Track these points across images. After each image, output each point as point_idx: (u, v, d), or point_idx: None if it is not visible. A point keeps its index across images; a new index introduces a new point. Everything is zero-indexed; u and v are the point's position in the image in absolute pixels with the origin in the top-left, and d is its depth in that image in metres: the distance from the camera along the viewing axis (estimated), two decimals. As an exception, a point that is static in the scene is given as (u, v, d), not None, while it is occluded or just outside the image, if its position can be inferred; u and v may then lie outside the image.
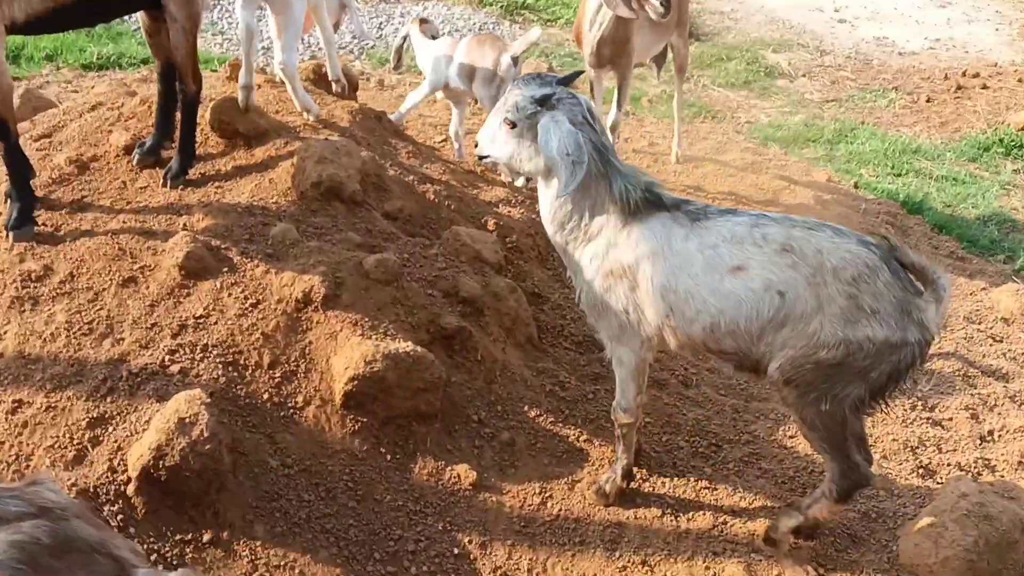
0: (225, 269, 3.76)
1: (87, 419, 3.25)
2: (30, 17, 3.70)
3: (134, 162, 4.41)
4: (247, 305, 3.67)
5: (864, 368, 2.91)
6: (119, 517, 3.01)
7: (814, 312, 2.89)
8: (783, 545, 3.35)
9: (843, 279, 2.87)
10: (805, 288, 2.88)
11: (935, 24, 11.65)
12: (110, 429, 3.24)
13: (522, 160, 3.18)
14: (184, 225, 3.98)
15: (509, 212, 4.86)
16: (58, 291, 3.69)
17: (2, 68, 3.71)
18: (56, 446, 3.19)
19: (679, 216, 3.05)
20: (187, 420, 3.10)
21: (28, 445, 3.19)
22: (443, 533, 3.36)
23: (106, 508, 3.02)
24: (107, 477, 3.09)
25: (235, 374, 3.48)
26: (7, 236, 3.89)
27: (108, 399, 3.31)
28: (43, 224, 4.01)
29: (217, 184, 4.26)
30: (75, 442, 3.19)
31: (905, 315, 2.88)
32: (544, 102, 3.06)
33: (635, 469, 3.60)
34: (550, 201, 3.20)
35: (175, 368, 3.43)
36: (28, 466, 3.14)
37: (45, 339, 3.50)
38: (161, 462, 3.04)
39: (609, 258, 3.11)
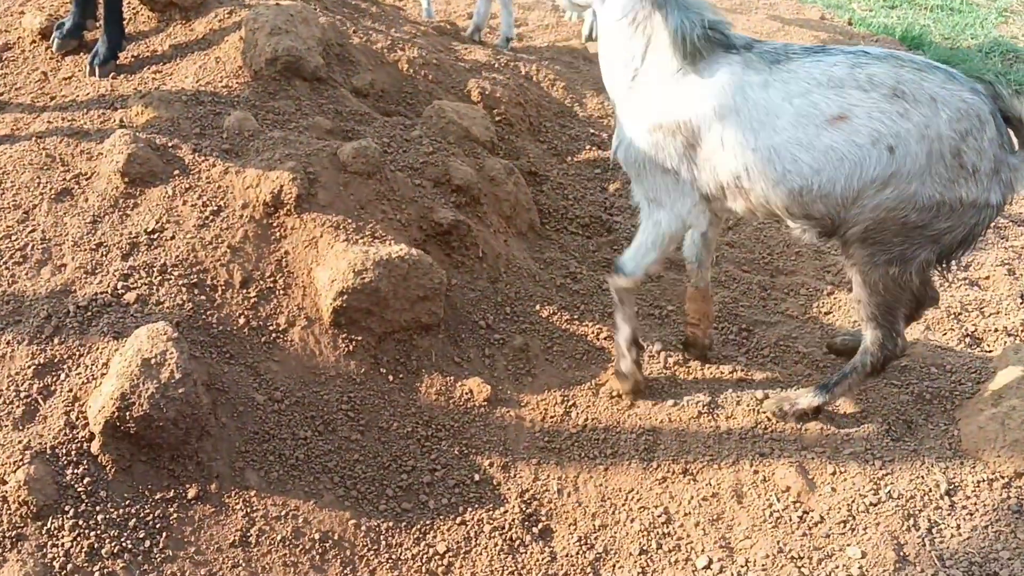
0: (176, 172, 3.14)
1: (33, 366, 2.70)
2: None
3: (53, 48, 3.68)
4: (207, 214, 3.07)
5: (944, 229, 2.56)
6: (85, 480, 2.52)
7: (922, 171, 2.48)
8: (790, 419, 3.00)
9: (957, 132, 2.46)
10: (917, 142, 2.46)
11: None
12: (62, 376, 2.70)
13: None
14: (121, 121, 3.32)
15: (493, 78, 4.21)
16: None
17: None
18: (1, 402, 2.65)
19: (752, 59, 2.56)
20: (153, 360, 2.57)
21: None
22: (460, 459, 2.92)
23: (69, 471, 2.52)
24: (65, 434, 2.57)
25: (202, 298, 2.92)
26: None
27: (55, 340, 2.75)
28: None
29: (154, 68, 3.57)
30: (22, 396, 2.65)
31: (996, 175, 2.52)
32: None
33: (673, 356, 3.15)
34: (607, 33, 2.72)
35: (130, 296, 2.86)
36: None
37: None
38: (128, 412, 2.52)
39: (661, 109, 2.62)
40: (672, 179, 2.71)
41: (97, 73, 3.52)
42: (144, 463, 2.60)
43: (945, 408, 3.22)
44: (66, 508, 2.48)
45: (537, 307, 3.36)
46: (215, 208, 3.08)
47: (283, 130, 3.31)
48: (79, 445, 2.57)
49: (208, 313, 2.91)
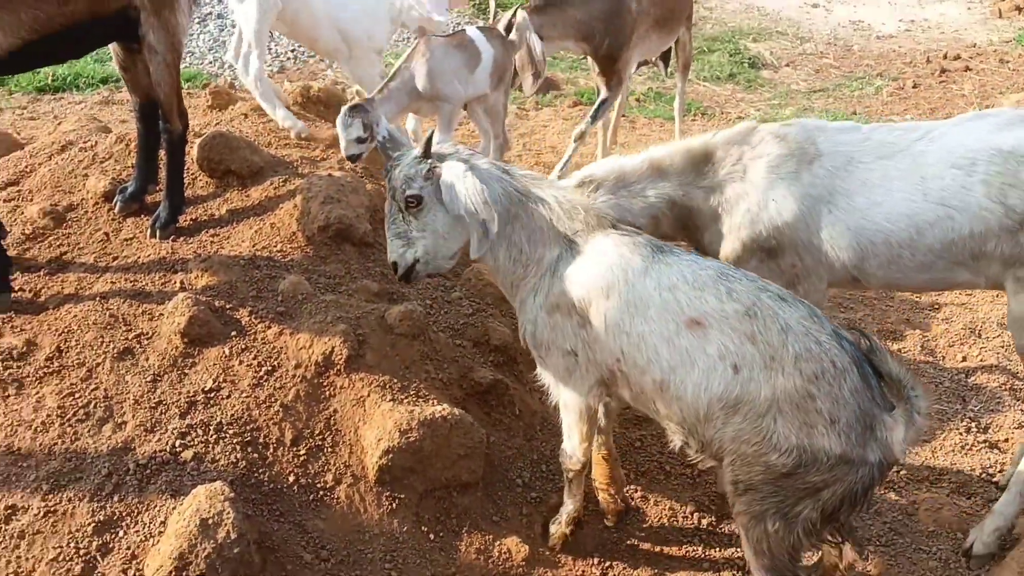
0: (233, 333, 3.34)
1: (93, 523, 2.81)
2: (1, 54, 3.24)
3: (116, 210, 3.95)
4: (261, 373, 3.25)
5: (816, 485, 2.44)
6: None
7: (768, 403, 2.43)
8: None
9: (804, 373, 2.41)
10: (762, 370, 2.44)
11: (907, 5, 11.45)
12: (120, 533, 2.81)
13: (438, 247, 2.79)
14: (181, 283, 3.54)
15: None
16: (45, 370, 3.24)
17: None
18: (60, 558, 2.75)
19: (639, 244, 2.67)
20: (210, 521, 2.69)
21: (28, 560, 2.75)
22: (495, 618, 2.99)
23: None
24: (123, 592, 2.68)
25: (255, 455, 3.07)
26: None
27: (115, 498, 2.88)
28: (20, 289, 3.55)
29: (212, 232, 3.83)
30: (81, 552, 2.75)
31: (868, 430, 2.43)
32: (427, 153, 2.72)
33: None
34: (498, 257, 2.83)
35: (187, 454, 3.00)
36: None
37: (36, 429, 3.05)
38: (185, 572, 2.62)
39: (555, 291, 2.72)
40: (572, 360, 2.75)
41: (158, 236, 3.77)
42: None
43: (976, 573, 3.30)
44: None
45: (571, 465, 3.48)
46: (269, 368, 3.26)
47: (334, 293, 3.53)
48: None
49: (260, 471, 3.04)
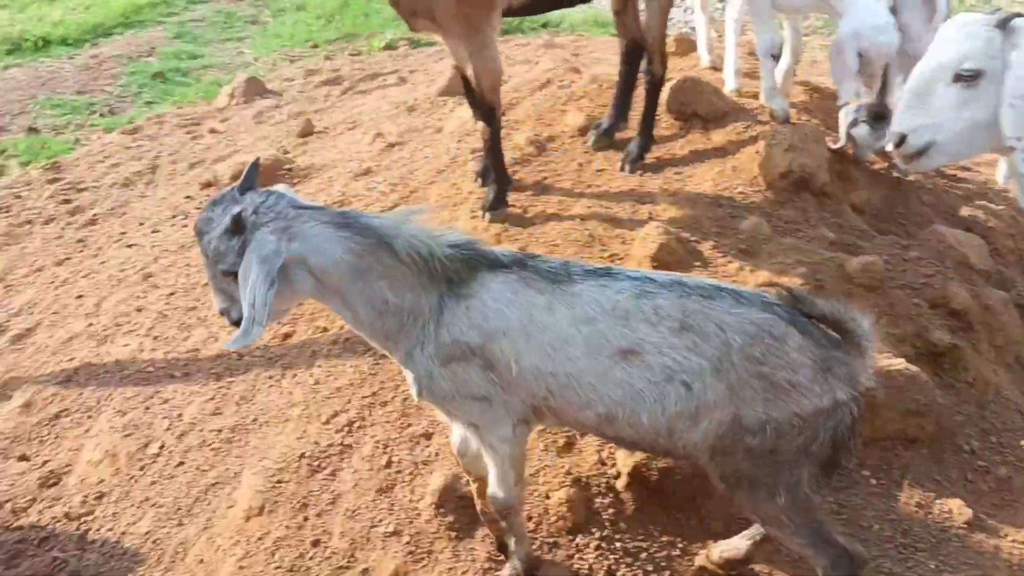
0: (696, 263, 3.77)
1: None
2: (524, 1, 3.91)
3: (589, 143, 4.55)
4: (721, 303, 3.65)
5: (803, 445, 2.45)
6: (610, 511, 3.14)
7: (727, 399, 2.42)
8: None
9: (751, 358, 2.40)
10: (713, 376, 2.41)
11: None
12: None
13: (284, 307, 2.61)
14: (649, 214, 4.04)
15: (986, 207, 4.42)
16: (536, 274, 3.91)
17: (494, 53, 3.95)
18: (548, 431, 3.39)
19: (531, 278, 2.49)
20: (678, 423, 3.15)
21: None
22: (936, 572, 3.14)
23: (598, 500, 3.16)
24: (598, 468, 3.23)
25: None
26: (484, 216, 4.19)
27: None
28: (513, 205, 4.27)
29: (676, 170, 4.28)
30: (565, 430, 3.37)
31: (828, 374, 2.42)
32: (240, 228, 2.39)
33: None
34: (358, 313, 2.57)
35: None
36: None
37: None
38: (653, 462, 3.12)
39: (445, 340, 2.52)
40: (487, 405, 2.59)
41: (628, 169, 4.31)
42: (657, 507, 3.17)
43: None
44: (592, 530, 3.12)
45: (1023, 442, 3.48)
46: (728, 299, 3.65)
47: (793, 237, 3.82)
48: (608, 481, 3.21)
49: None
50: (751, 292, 2.54)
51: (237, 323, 2.50)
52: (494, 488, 2.79)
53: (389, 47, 9.41)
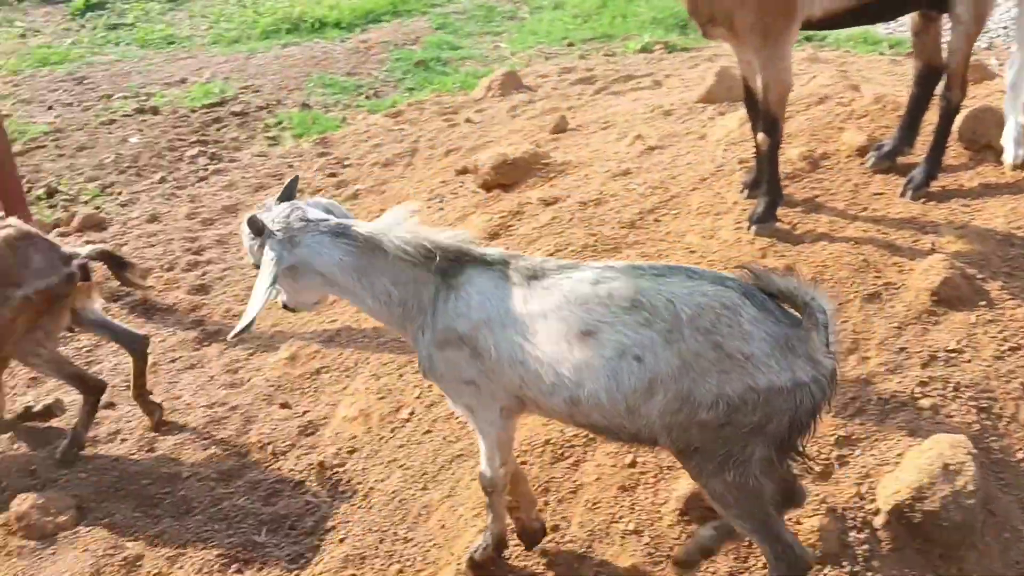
0: (982, 302, 3.59)
1: (835, 436, 3.34)
2: (826, 15, 3.85)
3: (868, 164, 4.41)
4: (1005, 348, 3.46)
5: (758, 423, 2.51)
6: (864, 546, 3.06)
7: (680, 371, 2.53)
8: None
9: (701, 328, 2.50)
10: (664, 348, 2.53)
11: None
12: (856, 452, 3.30)
13: (299, 290, 3.00)
14: (932, 245, 3.87)
15: None
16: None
17: (787, 65, 3.92)
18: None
19: (511, 275, 2.77)
20: (952, 467, 3.01)
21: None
22: None
23: (851, 534, 3.08)
24: (854, 502, 3.15)
25: (988, 423, 3.31)
26: (749, 229, 4.17)
27: (856, 420, 3.37)
28: (781, 220, 4.21)
29: (964, 202, 4.08)
30: (822, 456, 3.30)
31: (788, 351, 2.47)
32: (260, 232, 2.86)
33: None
34: (368, 304, 2.96)
35: (925, 403, 3.36)
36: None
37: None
38: (918, 504, 3.00)
39: (440, 328, 2.83)
40: (475, 389, 2.87)
41: (910, 195, 4.15)
42: (916, 550, 3.05)
43: None
44: (843, 563, 3.04)
45: None
46: (1014, 345, 3.45)
47: (1098, 287, 3.55)
48: (865, 515, 3.11)
49: (991, 439, 3.27)
50: (706, 269, 2.72)
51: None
52: (483, 466, 3.11)
53: (644, 50, 9.49)
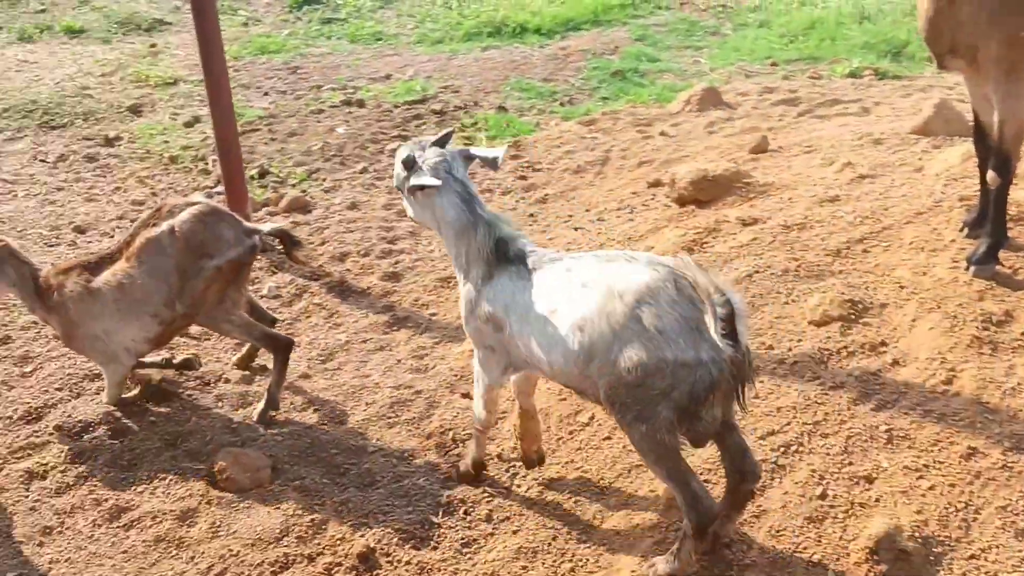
0: None
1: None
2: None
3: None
4: None
5: (665, 389, 3.03)
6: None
7: (610, 339, 3.09)
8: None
9: (627, 303, 3.06)
10: (599, 319, 3.12)
11: None
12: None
13: (416, 215, 3.78)
14: None
15: None
16: (1020, 342, 3.68)
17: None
18: (1007, 508, 3.19)
19: (522, 269, 3.48)
20: None
21: (978, 497, 3.26)
22: None
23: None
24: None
25: None
26: (967, 269, 4.01)
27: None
28: (1003, 263, 4.04)
29: None
30: (1030, 512, 3.16)
31: (696, 333, 2.98)
32: (410, 167, 3.62)
33: None
34: (451, 251, 3.75)
35: None
36: (975, 520, 3.21)
37: (1004, 391, 3.53)
38: None
39: (477, 304, 3.62)
40: (490, 352, 3.69)
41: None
42: None
43: None
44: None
45: None
46: None
47: None
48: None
49: None
50: (644, 255, 3.26)
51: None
52: (475, 406, 3.96)
53: (853, 75, 9.24)
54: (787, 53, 10.11)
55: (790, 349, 4.17)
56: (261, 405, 4.69)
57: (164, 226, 4.41)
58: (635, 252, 3.30)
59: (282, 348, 4.69)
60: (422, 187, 3.55)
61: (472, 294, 3.63)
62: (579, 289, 3.22)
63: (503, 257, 3.53)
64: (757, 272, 4.62)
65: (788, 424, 3.76)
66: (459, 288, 3.74)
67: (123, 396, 4.74)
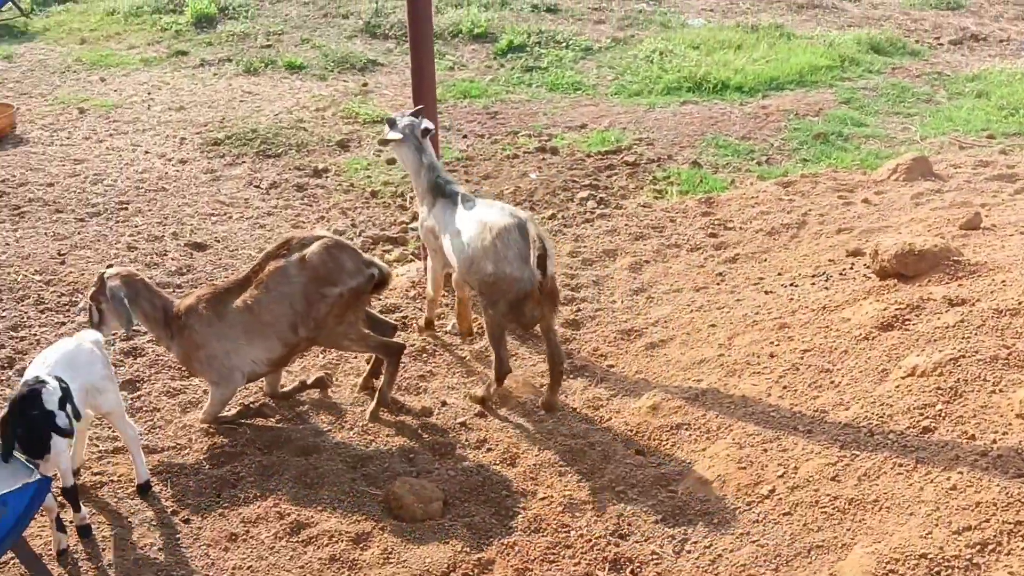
0: None
1: None
2: None
3: None
4: None
5: (504, 291, 4.94)
6: None
7: (482, 255, 4.99)
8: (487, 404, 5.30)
9: (493, 233, 4.95)
10: (479, 239, 5.02)
11: None
12: None
13: (397, 158, 6.32)
14: None
15: None
16: None
17: None
18: None
19: (453, 201, 5.39)
20: None
21: None
22: None
23: None
24: None
25: None
26: None
27: None
28: None
29: None
30: None
31: (524, 261, 4.88)
32: (391, 125, 5.62)
33: None
34: (409, 166, 5.73)
35: None
36: None
37: None
38: None
39: (425, 219, 5.60)
40: (436, 253, 5.64)
41: None
42: None
43: None
44: None
45: None
46: None
47: None
48: None
49: None
50: (511, 208, 5.18)
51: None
52: (428, 287, 6.00)
53: (1078, 154, 8.65)
54: (1006, 126, 9.59)
55: (994, 441, 3.92)
56: (372, 404, 5.16)
57: (294, 257, 4.84)
58: (504, 204, 5.31)
59: (395, 353, 5.17)
60: (389, 140, 5.61)
61: (425, 213, 5.58)
62: (472, 222, 5.11)
63: (441, 192, 5.44)
64: (963, 356, 4.38)
65: (987, 520, 3.53)
66: (416, 192, 5.81)
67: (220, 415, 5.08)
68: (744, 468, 4.34)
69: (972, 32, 13.71)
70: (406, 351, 5.62)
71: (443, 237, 5.32)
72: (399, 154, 5.69)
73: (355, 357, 5.74)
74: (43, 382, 3.90)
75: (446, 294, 6.25)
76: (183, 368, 5.45)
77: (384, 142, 5.70)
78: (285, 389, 5.35)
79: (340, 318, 4.93)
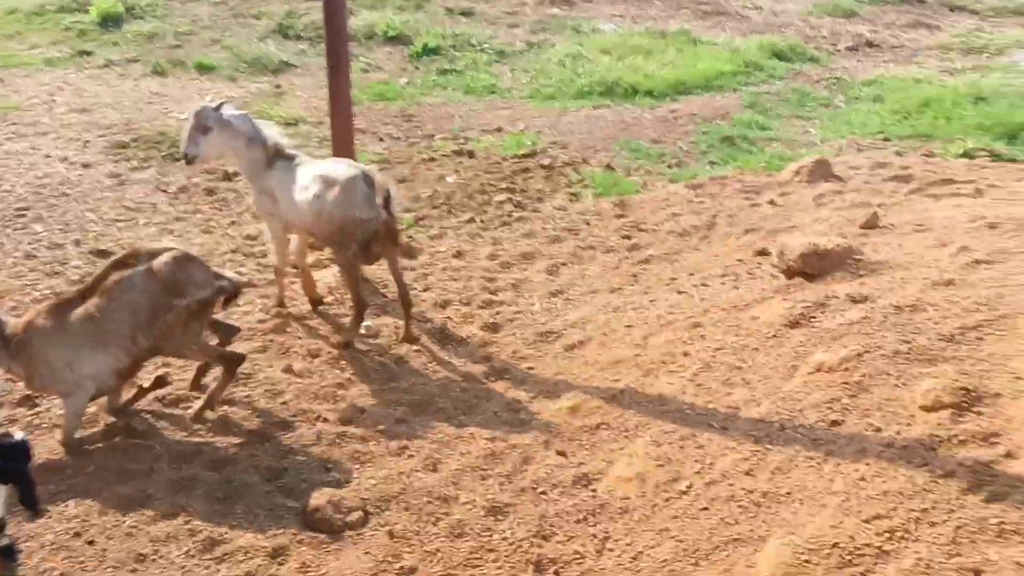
0: None
1: None
2: None
3: None
4: None
5: (353, 232, 5.63)
6: None
7: (331, 204, 5.62)
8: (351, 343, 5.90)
9: (340, 184, 5.61)
10: (327, 190, 5.64)
11: None
12: None
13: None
14: None
15: None
16: None
17: None
18: None
19: (289, 165, 5.92)
20: None
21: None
22: None
23: None
24: None
25: None
26: (1092, 364, 3.87)
27: None
28: None
29: None
30: None
31: (369, 203, 5.60)
32: (219, 108, 5.94)
33: None
34: (235, 148, 6.07)
35: None
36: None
37: None
38: None
39: (262, 183, 6.02)
40: (271, 218, 6.09)
41: None
42: None
43: None
44: None
45: None
46: None
47: None
48: None
49: None
50: (355, 163, 6.10)
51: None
52: (271, 255, 6.41)
53: (967, 155, 9.00)
54: (900, 129, 9.93)
55: (899, 433, 4.05)
56: (199, 404, 5.11)
57: (141, 267, 4.75)
58: (349, 161, 6.19)
59: (233, 363, 5.14)
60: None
61: (259, 181, 6.01)
62: (319, 176, 5.70)
63: (279, 154, 5.93)
64: (867, 352, 4.52)
65: (894, 509, 3.64)
66: (248, 175, 6.22)
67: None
68: (662, 465, 4.39)
69: (867, 39, 14.17)
70: (322, 358, 5.59)
71: (285, 196, 5.84)
72: (220, 143, 5.95)
73: (270, 366, 5.63)
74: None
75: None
76: (30, 389, 5.07)
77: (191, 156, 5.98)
78: (124, 399, 5.14)
79: (185, 328, 4.86)
